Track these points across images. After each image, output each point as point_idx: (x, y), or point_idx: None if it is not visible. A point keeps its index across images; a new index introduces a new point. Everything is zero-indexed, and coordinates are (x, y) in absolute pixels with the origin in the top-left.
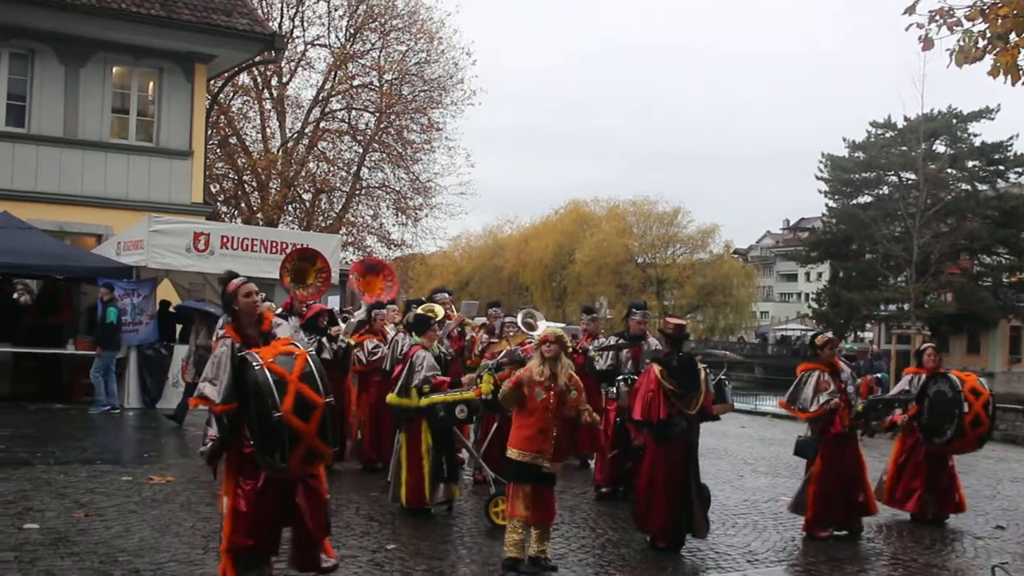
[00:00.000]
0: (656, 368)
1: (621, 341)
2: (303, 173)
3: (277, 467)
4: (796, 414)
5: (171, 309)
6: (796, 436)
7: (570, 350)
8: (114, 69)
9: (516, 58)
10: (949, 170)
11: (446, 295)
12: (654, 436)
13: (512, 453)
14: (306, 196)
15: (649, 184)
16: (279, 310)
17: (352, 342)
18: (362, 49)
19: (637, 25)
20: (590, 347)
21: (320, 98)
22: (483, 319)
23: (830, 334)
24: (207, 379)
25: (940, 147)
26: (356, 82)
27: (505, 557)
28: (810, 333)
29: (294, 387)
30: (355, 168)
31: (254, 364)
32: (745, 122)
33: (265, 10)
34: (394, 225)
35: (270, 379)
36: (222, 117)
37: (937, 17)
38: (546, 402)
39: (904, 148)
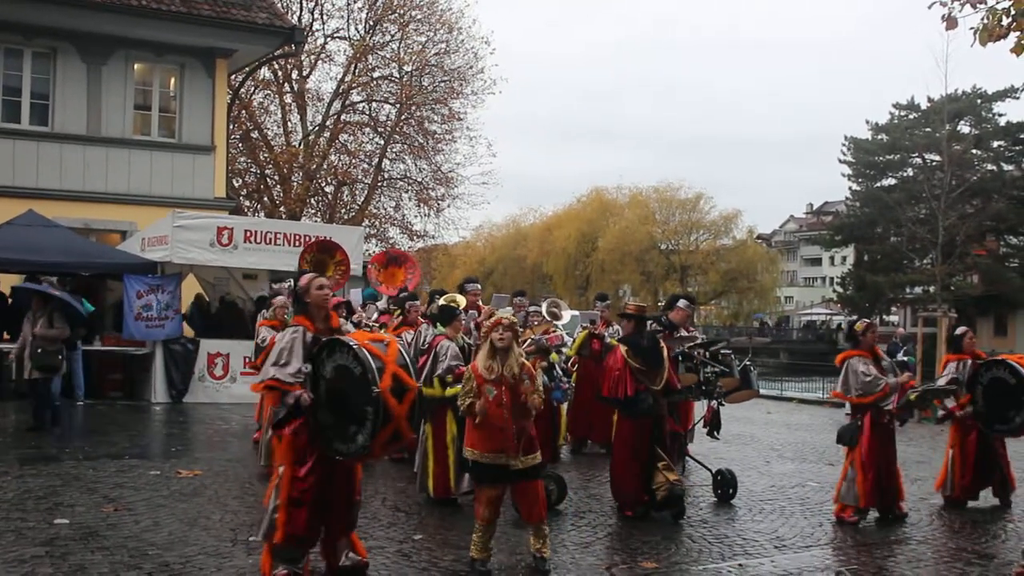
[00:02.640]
0: (622, 348)
1: (655, 327)
2: (325, 166)
3: (356, 449)
4: (855, 400)
5: (9, 294)
6: (828, 422)
7: (519, 336)
8: (135, 66)
9: (539, 46)
10: (974, 151)
11: (477, 285)
12: (623, 412)
13: (468, 453)
14: (328, 189)
15: (671, 171)
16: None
17: (375, 325)
18: (382, 41)
19: (662, 12)
20: (606, 334)
21: (340, 91)
22: (509, 309)
23: (866, 320)
24: (274, 363)
25: (964, 128)
26: (376, 74)
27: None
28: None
29: (391, 369)
30: (376, 160)
31: (351, 344)
32: (768, 107)
33: (284, 4)
34: (416, 216)
35: (370, 358)
36: (243, 112)
37: None
38: (498, 398)
39: (928, 129)
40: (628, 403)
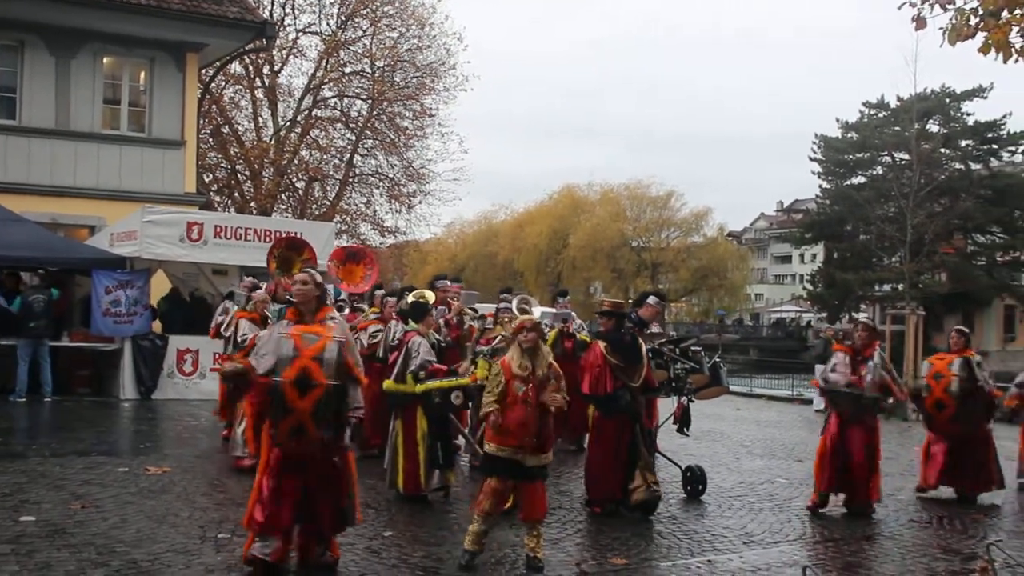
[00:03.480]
0: (601, 344)
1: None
2: (296, 162)
3: (275, 439)
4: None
5: None
6: (797, 419)
7: (544, 335)
8: (105, 60)
9: (521, 44)
10: (942, 150)
11: (447, 283)
12: (602, 409)
13: (488, 447)
14: (299, 184)
15: (648, 169)
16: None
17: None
18: (353, 36)
19: (645, 10)
20: (575, 330)
21: (312, 86)
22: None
23: (856, 320)
24: (257, 354)
25: (933, 127)
26: (348, 69)
27: (462, 547)
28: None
29: (302, 362)
30: (348, 156)
31: (278, 332)
32: (745, 105)
33: None
34: (388, 212)
35: (283, 348)
36: (214, 106)
37: None
38: (526, 395)
39: (897, 128)
40: (607, 400)
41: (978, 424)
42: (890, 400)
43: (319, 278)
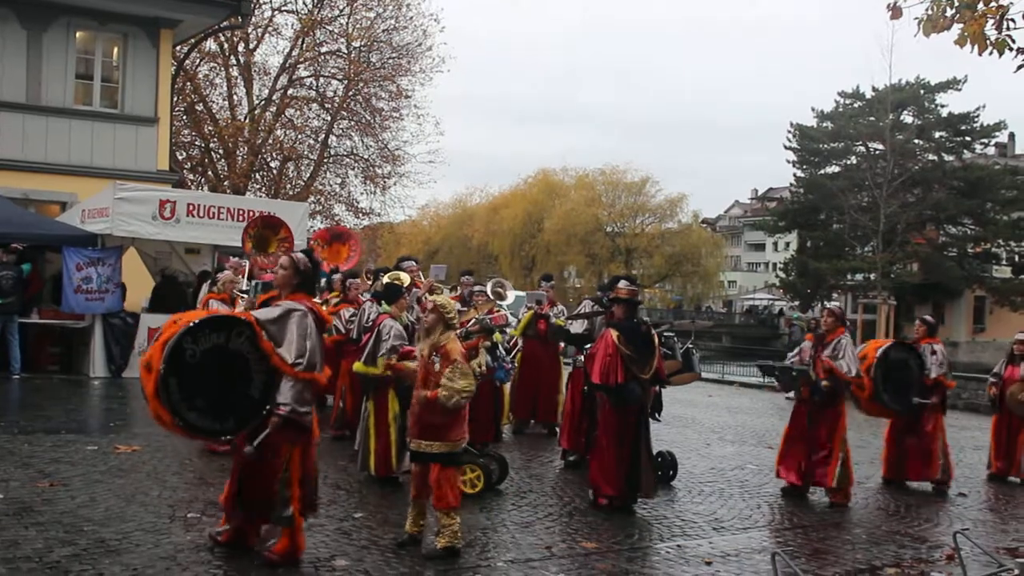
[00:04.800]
0: (613, 333)
1: (596, 308)
2: (270, 141)
3: None
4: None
5: None
6: (769, 406)
7: (455, 319)
8: (78, 34)
9: (499, 26)
10: (916, 140)
11: (413, 263)
12: (612, 400)
13: None
14: (273, 164)
15: (619, 154)
16: (243, 278)
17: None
18: (330, 15)
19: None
20: (551, 313)
21: (287, 65)
22: (453, 288)
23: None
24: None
25: (908, 118)
26: (324, 49)
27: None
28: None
29: (154, 346)
30: (323, 136)
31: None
32: (717, 92)
33: None
34: (362, 193)
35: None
36: (188, 84)
37: None
38: (415, 376)
39: (872, 118)
40: (618, 391)
41: (918, 409)
42: (823, 382)
43: (304, 265)
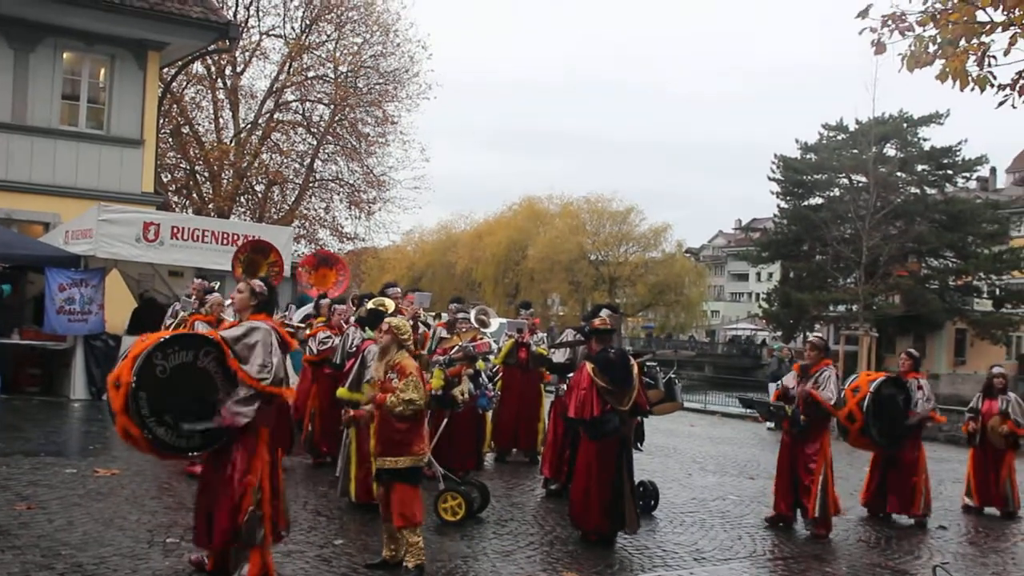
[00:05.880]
0: (589, 366)
1: (578, 337)
2: (256, 164)
3: None
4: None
5: None
6: (750, 436)
7: (408, 339)
8: (65, 55)
9: (477, 52)
10: (899, 173)
11: (397, 290)
12: (588, 433)
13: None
14: (258, 188)
15: (604, 182)
16: (228, 301)
17: (301, 327)
18: (317, 40)
19: (608, 19)
20: (532, 341)
21: (274, 89)
22: (440, 314)
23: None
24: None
25: (890, 150)
26: (311, 74)
27: None
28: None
29: (121, 363)
30: (308, 160)
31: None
32: (703, 122)
33: None
34: (347, 218)
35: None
36: (175, 106)
37: (890, 22)
38: (374, 397)
39: (855, 151)
40: (593, 424)
41: (902, 444)
42: (801, 417)
43: (259, 288)
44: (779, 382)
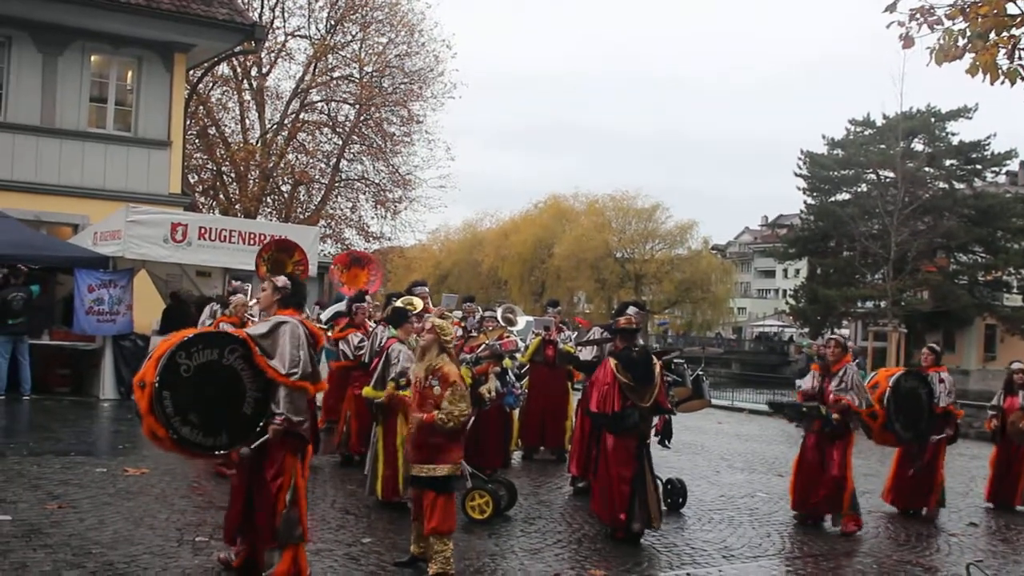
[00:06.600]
0: (612, 362)
1: (606, 335)
2: (282, 165)
3: None
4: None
5: None
6: (778, 433)
7: (451, 341)
8: (92, 57)
9: (503, 51)
10: (927, 168)
11: (425, 288)
12: (608, 428)
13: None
14: (285, 188)
15: (630, 179)
16: (253, 302)
17: (331, 335)
18: (342, 41)
19: (629, 23)
20: (559, 339)
21: (300, 89)
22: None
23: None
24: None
25: (918, 145)
26: (336, 74)
27: None
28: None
29: (146, 364)
30: (334, 160)
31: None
32: (732, 116)
33: (246, 0)
34: (373, 218)
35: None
36: (201, 107)
37: (918, 15)
38: (410, 400)
39: (883, 146)
40: (613, 419)
41: (925, 440)
42: (834, 416)
43: (281, 283)
44: (799, 383)
